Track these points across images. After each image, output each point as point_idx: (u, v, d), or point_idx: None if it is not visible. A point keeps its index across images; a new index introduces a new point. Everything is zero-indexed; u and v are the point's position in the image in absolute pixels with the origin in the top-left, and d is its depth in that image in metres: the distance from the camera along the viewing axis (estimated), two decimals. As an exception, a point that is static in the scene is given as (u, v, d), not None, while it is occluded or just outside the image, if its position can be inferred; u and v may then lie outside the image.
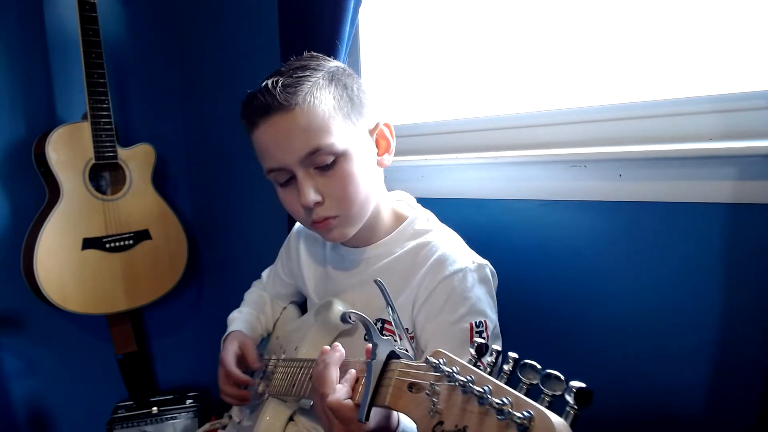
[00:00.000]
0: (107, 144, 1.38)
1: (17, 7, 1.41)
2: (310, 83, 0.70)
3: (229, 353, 0.87)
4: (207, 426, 1.00)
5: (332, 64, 0.76)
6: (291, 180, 0.72)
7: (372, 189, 0.75)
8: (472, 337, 0.68)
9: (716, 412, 0.74)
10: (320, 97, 0.70)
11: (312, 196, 0.70)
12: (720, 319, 0.72)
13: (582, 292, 0.85)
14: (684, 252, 0.75)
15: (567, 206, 0.86)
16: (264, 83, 0.71)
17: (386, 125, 0.78)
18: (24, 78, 1.43)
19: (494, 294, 0.75)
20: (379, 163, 0.77)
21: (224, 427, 0.96)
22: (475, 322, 0.69)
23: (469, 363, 0.42)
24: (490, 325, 0.70)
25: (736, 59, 0.77)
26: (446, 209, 0.91)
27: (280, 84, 0.69)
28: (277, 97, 0.68)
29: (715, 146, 0.69)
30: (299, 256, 0.92)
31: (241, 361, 0.87)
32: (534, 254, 0.91)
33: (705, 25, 0.79)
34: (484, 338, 0.69)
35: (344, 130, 0.71)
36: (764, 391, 0.68)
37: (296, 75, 0.70)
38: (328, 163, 0.70)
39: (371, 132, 0.76)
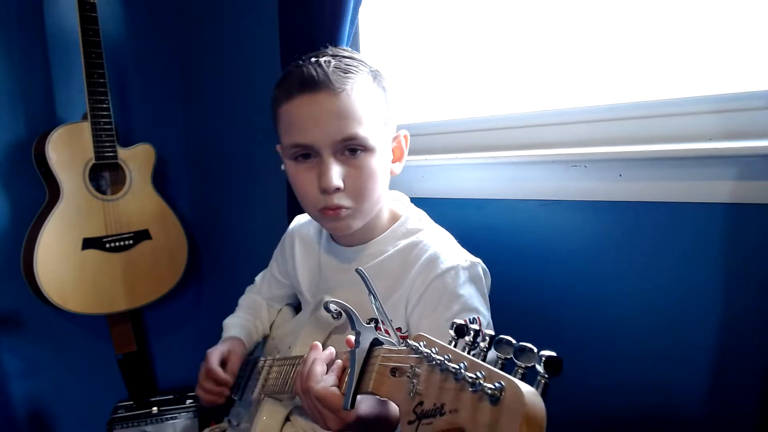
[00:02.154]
0: (107, 144, 1.38)
1: (17, 7, 1.41)
2: (360, 74, 0.72)
3: (215, 352, 0.88)
4: (207, 431, 1.00)
5: (371, 63, 0.77)
6: (311, 160, 0.73)
7: (384, 191, 0.77)
8: None
9: (717, 412, 0.73)
10: (366, 90, 0.72)
11: (336, 180, 0.70)
12: (720, 319, 0.72)
13: (582, 291, 0.85)
14: (684, 252, 0.75)
15: (567, 206, 0.86)
16: (313, 59, 0.72)
17: (405, 136, 0.81)
18: (24, 78, 1.43)
19: (486, 292, 0.75)
20: (391, 171, 0.79)
21: (223, 431, 0.96)
22: (469, 319, 0.69)
23: (449, 344, 0.43)
24: (484, 321, 0.71)
25: (736, 59, 0.77)
26: (446, 209, 0.91)
27: (332, 65, 0.71)
28: (330, 76, 0.69)
29: (715, 146, 0.69)
30: (294, 256, 0.92)
31: (224, 363, 0.88)
32: (534, 254, 0.91)
33: (705, 25, 0.79)
34: None
35: (378, 128, 0.73)
36: (764, 391, 0.68)
37: (346, 62, 0.72)
38: (356, 154, 0.71)
39: (393, 139, 0.79)
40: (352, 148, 0.71)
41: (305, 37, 1.03)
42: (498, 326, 0.73)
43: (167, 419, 1.50)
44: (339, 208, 0.72)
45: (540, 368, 0.35)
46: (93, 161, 1.37)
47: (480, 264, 0.74)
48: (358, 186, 0.72)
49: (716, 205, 0.71)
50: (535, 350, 0.36)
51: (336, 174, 0.70)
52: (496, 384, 0.33)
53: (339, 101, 0.70)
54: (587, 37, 0.91)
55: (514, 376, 0.35)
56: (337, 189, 0.71)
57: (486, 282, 0.75)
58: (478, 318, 0.70)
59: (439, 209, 0.86)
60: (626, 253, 0.80)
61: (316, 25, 1.01)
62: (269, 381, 0.83)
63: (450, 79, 1.14)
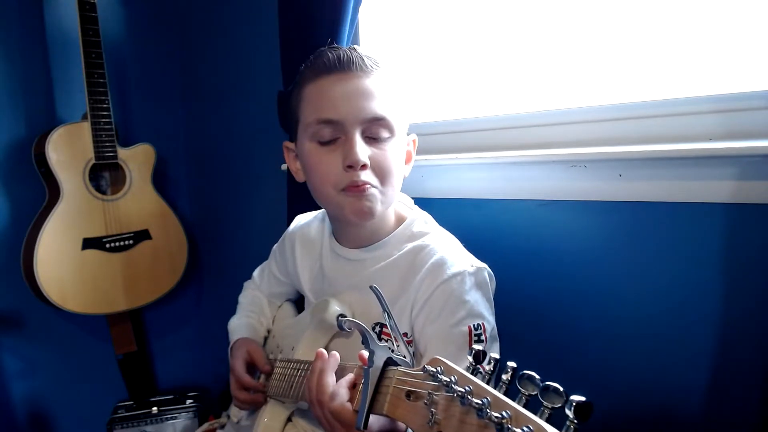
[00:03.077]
0: (107, 144, 1.38)
1: (17, 7, 1.41)
2: (386, 67, 0.75)
3: (238, 360, 0.87)
4: (206, 426, 1.00)
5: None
6: (334, 141, 0.72)
7: (399, 185, 0.77)
8: (470, 340, 0.68)
9: (717, 413, 0.73)
10: (392, 83, 0.75)
11: (363, 156, 0.70)
12: (720, 320, 0.72)
13: (581, 292, 0.85)
14: (684, 252, 0.74)
15: (567, 206, 0.86)
16: (342, 47, 0.75)
17: (414, 140, 0.82)
18: (24, 78, 1.43)
19: (491, 297, 0.74)
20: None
21: (223, 427, 0.96)
22: (474, 325, 0.69)
23: (467, 370, 0.42)
24: (488, 328, 0.70)
25: (736, 59, 0.77)
26: (446, 209, 0.91)
27: (363, 52, 0.74)
28: (364, 60, 0.73)
29: (715, 146, 0.69)
30: (294, 256, 0.92)
31: (251, 366, 0.88)
32: (533, 254, 0.91)
33: (705, 25, 0.79)
34: (482, 341, 0.69)
35: (400, 120, 0.75)
36: (764, 391, 0.68)
37: (374, 56, 0.75)
38: (382, 137, 0.73)
39: (407, 142, 0.80)
40: (378, 131, 0.72)
41: (305, 37, 1.03)
42: (498, 327, 0.73)
43: (167, 419, 1.50)
44: (365, 184, 0.71)
45: (570, 413, 0.34)
46: (93, 161, 1.37)
47: (486, 269, 0.74)
48: (383, 167, 0.72)
49: (716, 205, 0.71)
50: (562, 390, 0.35)
51: (363, 150, 0.71)
52: (525, 428, 0.33)
53: (371, 82, 0.72)
54: (587, 38, 0.91)
55: (540, 417, 0.34)
56: (364, 166, 0.71)
57: (491, 287, 0.75)
58: (483, 324, 0.69)
59: (438, 209, 0.86)
60: (626, 253, 0.80)
61: (316, 25, 1.01)
62: (272, 382, 0.83)
63: (450, 79, 1.14)
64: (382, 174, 0.72)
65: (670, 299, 0.76)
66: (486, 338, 0.69)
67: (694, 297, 0.74)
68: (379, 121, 0.72)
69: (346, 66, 0.71)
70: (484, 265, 0.74)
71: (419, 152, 1.07)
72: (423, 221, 0.81)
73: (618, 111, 0.84)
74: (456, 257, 0.73)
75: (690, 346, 0.75)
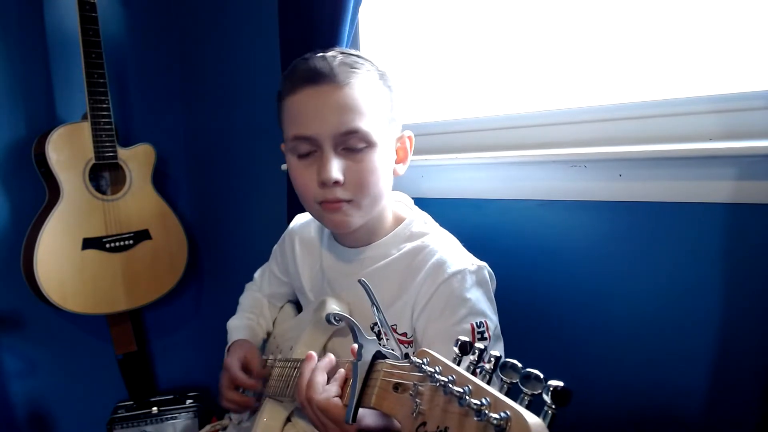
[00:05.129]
0: (107, 144, 1.38)
1: (17, 7, 1.41)
2: (366, 70, 0.73)
3: (234, 360, 0.86)
4: (208, 427, 1.00)
5: (378, 64, 0.78)
6: (311, 155, 0.72)
7: (386, 189, 0.76)
8: (473, 338, 0.68)
9: (717, 413, 0.73)
10: (372, 86, 0.73)
11: (335, 173, 0.70)
12: (720, 320, 0.72)
13: (581, 291, 0.85)
14: (684, 252, 0.74)
15: (567, 206, 0.86)
16: (320, 53, 0.73)
17: (409, 137, 0.81)
18: (24, 78, 1.43)
19: (492, 296, 0.74)
20: (394, 171, 0.79)
21: (225, 428, 0.96)
22: (476, 323, 0.68)
23: (453, 362, 0.42)
24: (491, 326, 0.70)
25: (736, 59, 0.77)
26: (446, 209, 0.90)
27: (338, 60, 0.71)
28: (334, 69, 0.70)
29: (715, 146, 0.69)
30: (294, 256, 0.92)
31: (246, 368, 0.87)
32: (533, 254, 0.91)
33: (705, 25, 0.79)
34: (485, 339, 0.69)
35: (382, 125, 0.73)
36: (764, 391, 0.68)
37: (353, 59, 0.73)
38: (358, 148, 0.71)
39: (397, 139, 0.79)
40: (353, 144, 0.71)
41: (305, 37, 1.03)
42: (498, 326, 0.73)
43: (167, 419, 1.50)
44: (339, 201, 0.71)
45: (547, 398, 0.34)
46: (93, 161, 1.37)
47: (486, 267, 0.74)
48: (358, 180, 0.71)
49: (716, 205, 0.71)
50: (542, 377, 0.35)
51: (336, 167, 0.70)
52: (502, 414, 0.33)
53: (343, 94, 0.69)
54: (587, 37, 0.91)
55: (521, 403, 0.34)
56: (336, 182, 0.70)
57: (492, 286, 0.75)
58: (485, 322, 0.69)
59: (438, 209, 0.86)
60: (626, 253, 0.80)
61: (316, 25, 1.01)
62: (270, 382, 0.83)
63: (450, 79, 1.14)
64: (358, 187, 0.72)
65: (670, 299, 0.76)
66: (489, 336, 0.69)
67: (694, 297, 0.74)
68: (353, 134, 0.70)
69: (317, 79, 0.70)
70: (484, 263, 0.74)
71: (419, 152, 1.06)
72: (422, 221, 0.81)
73: (618, 111, 0.84)
74: (456, 256, 0.73)
75: (690, 345, 0.75)
